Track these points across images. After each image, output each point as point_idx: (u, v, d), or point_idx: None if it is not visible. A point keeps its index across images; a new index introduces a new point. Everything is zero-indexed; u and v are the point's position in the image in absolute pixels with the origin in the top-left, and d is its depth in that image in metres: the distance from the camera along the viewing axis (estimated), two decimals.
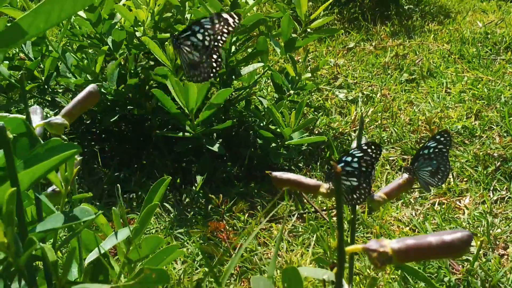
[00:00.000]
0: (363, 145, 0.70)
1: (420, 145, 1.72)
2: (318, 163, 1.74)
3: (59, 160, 0.64)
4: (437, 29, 3.07)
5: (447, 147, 0.81)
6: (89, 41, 1.79)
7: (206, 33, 0.72)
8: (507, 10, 3.45)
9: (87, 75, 1.69)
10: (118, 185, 1.29)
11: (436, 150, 0.80)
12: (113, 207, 0.87)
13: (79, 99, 0.79)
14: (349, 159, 0.72)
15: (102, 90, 1.68)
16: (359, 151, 0.71)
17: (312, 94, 2.26)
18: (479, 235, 1.34)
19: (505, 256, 1.28)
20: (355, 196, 0.75)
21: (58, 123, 0.76)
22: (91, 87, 0.78)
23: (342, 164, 0.73)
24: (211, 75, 0.76)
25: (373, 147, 0.70)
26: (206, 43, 0.71)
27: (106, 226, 0.89)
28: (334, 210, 1.51)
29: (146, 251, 0.86)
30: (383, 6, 3.45)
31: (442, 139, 0.79)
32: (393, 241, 0.50)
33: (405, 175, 0.81)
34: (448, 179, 1.59)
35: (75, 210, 0.73)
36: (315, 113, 2.10)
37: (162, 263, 0.92)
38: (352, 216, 0.77)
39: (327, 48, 2.80)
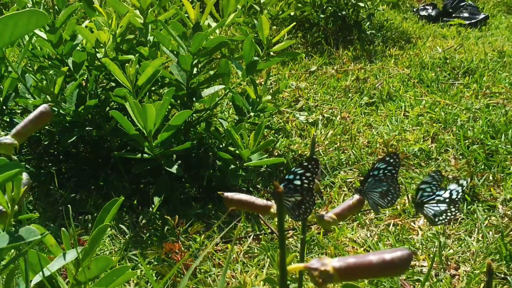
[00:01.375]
0: (303, 161, 0.72)
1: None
2: None
3: (2, 179, 0.64)
4: (398, 54, 3.13)
5: (396, 169, 0.82)
6: (49, 62, 1.78)
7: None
8: (466, 36, 3.53)
9: (47, 96, 1.68)
10: (69, 205, 1.28)
11: (386, 171, 0.82)
12: (63, 228, 0.87)
13: (31, 118, 0.78)
14: (291, 177, 0.74)
15: (61, 111, 1.68)
16: (299, 168, 0.73)
17: (273, 116, 2.27)
18: (431, 255, 1.36)
19: (456, 277, 1.30)
20: (300, 211, 0.76)
21: (7, 143, 0.75)
22: (42, 107, 0.78)
23: (285, 182, 0.75)
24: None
25: (312, 162, 0.72)
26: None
27: (56, 247, 0.89)
28: (290, 231, 1.52)
29: (96, 272, 0.86)
30: (346, 31, 3.51)
31: (391, 160, 0.80)
32: (334, 260, 0.51)
33: (356, 196, 0.82)
34: (403, 200, 1.62)
35: (20, 231, 0.73)
36: (276, 135, 2.12)
37: (112, 284, 0.92)
38: (302, 236, 0.77)
39: (289, 71, 2.83)
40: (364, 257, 0.50)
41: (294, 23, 2.15)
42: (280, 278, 0.52)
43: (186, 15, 1.74)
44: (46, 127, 1.91)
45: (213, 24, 1.79)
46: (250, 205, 0.77)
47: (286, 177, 0.74)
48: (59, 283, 0.86)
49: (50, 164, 1.87)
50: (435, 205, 0.81)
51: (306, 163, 0.72)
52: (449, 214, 0.81)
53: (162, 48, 1.74)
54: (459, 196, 0.81)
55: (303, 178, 0.74)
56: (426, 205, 0.81)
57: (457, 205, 0.81)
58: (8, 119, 1.90)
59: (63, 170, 1.85)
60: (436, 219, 0.82)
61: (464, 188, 0.81)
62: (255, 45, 1.79)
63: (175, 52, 1.72)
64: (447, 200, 0.81)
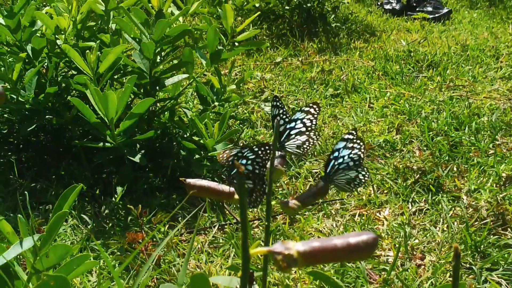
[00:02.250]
0: (254, 146, 0.71)
1: None
2: None
3: None
4: (362, 47, 3.13)
5: (357, 142, 0.80)
6: (8, 49, 1.73)
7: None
8: (430, 29, 3.56)
9: (5, 83, 1.63)
10: (26, 192, 1.24)
11: (353, 155, 0.80)
12: (19, 215, 0.84)
13: None
14: (243, 162, 0.72)
15: (20, 98, 1.63)
16: (251, 153, 0.71)
17: (238, 107, 2.25)
18: (397, 245, 1.36)
19: (422, 266, 1.30)
20: (252, 199, 0.74)
21: None
22: None
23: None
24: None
25: (262, 148, 0.70)
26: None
27: (12, 235, 0.86)
28: (255, 221, 1.51)
29: (54, 260, 0.83)
30: (311, 23, 3.50)
31: (351, 137, 0.79)
32: (298, 244, 0.49)
33: (321, 183, 0.80)
34: (368, 191, 1.62)
35: None
36: (241, 125, 2.10)
37: (72, 273, 0.89)
38: (266, 223, 0.75)
39: (255, 62, 2.81)
40: (329, 241, 0.49)
41: (259, 12, 2.14)
42: (242, 262, 0.50)
43: (150, 5, 1.71)
44: (5, 115, 1.86)
45: (177, 12, 1.75)
46: (213, 191, 0.75)
47: (240, 161, 0.73)
48: (16, 271, 0.83)
49: (9, 153, 1.81)
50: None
51: (256, 148, 0.71)
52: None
53: (124, 36, 1.71)
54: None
55: (254, 163, 0.72)
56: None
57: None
58: None
59: (23, 159, 1.80)
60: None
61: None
62: (219, 34, 1.77)
63: (137, 40, 1.68)
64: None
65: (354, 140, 0.79)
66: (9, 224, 0.83)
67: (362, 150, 0.79)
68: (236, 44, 1.89)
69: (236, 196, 0.76)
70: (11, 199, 1.60)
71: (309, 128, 0.82)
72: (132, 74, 1.72)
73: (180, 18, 1.87)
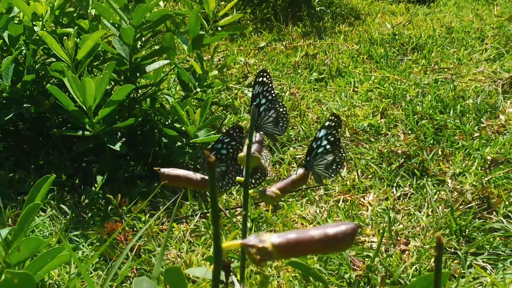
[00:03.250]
0: (229, 129, 0.69)
1: None
2: None
3: None
4: (347, 30, 3.10)
5: (338, 129, 0.79)
6: None
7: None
8: (415, 12, 3.54)
9: None
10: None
11: (330, 136, 0.78)
12: None
13: None
14: (219, 145, 0.71)
15: None
16: (226, 136, 0.70)
17: (222, 92, 2.22)
18: (381, 231, 1.34)
19: (406, 252, 1.28)
20: (224, 182, 0.73)
21: None
22: None
23: (214, 152, 0.71)
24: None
25: (236, 129, 0.69)
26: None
27: None
28: (238, 208, 1.49)
29: (26, 253, 0.80)
30: (296, 7, 3.47)
31: (332, 124, 0.77)
32: (273, 236, 0.47)
33: (300, 170, 0.78)
34: (352, 176, 1.60)
35: None
36: (224, 111, 2.07)
37: (46, 266, 0.86)
38: (244, 212, 0.73)
39: (238, 48, 2.78)
40: (306, 232, 0.46)
41: None
42: (214, 256, 0.48)
43: None
44: None
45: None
46: (188, 181, 0.73)
47: (215, 146, 0.71)
48: None
49: None
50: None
51: (231, 131, 0.69)
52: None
53: (103, 22, 1.67)
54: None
55: (229, 147, 0.71)
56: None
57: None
58: None
59: (0, 149, 1.76)
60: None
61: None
62: (201, 19, 1.74)
63: (116, 26, 1.65)
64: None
65: (334, 125, 0.78)
66: None
67: (338, 130, 0.78)
68: (219, 29, 1.86)
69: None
70: None
71: (273, 101, 0.80)
72: (112, 61, 1.69)
73: (161, 3, 1.84)
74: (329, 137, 0.78)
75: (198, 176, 0.73)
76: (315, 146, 0.78)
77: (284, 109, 0.82)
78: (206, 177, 0.73)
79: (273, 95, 0.82)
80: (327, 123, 0.77)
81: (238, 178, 0.73)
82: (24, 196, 1.54)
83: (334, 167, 0.79)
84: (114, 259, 1.24)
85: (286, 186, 0.76)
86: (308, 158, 0.78)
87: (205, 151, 0.43)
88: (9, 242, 0.81)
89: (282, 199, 1.51)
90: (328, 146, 0.78)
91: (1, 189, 1.58)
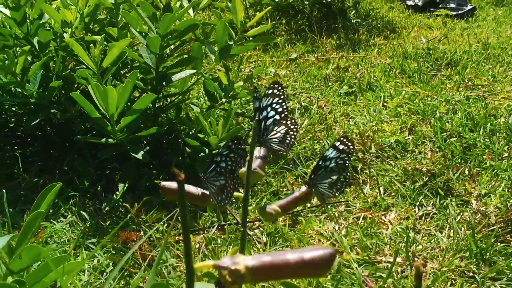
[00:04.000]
0: (228, 141, 0.68)
1: (352, 158, 1.70)
2: None
3: None
4: (381, 44, 3.07)
5: (350, 156, 0.77)
6: (16, 41, 1.71)
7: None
8: (452, 27, 3.49)
9: (10, 75, 1.62)
10: (4, 191, 1.22)
11: (339, 160, 0.76)
12: None
13: None
14: (218, 159, 0.70)
15: (25, 92, 1.62)
16: (225, 149, 0.69)
17: (250, 103, 2.22)
18: (399, 251, 1.32)
19: (423, 274, 1.25)
20: (223, 196, 0.71)
21: None
22: None
23: (214, 165, 0.70)
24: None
25: (235, 142, 0.68)
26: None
27: None
28: (256, 221, 1.48)
29: (27, 261, 0.81)
30: (331, 19, 3.45)
31: (343, 146, 0.75)
32: (248, 258, 0.46)
33: (303, 188, 0.77)
34: (375, 193, 1.57)
35: None
36: (251, 123, 2.06)
37: (52, 274, 0.87)
38: (242, 229, 0.72)
39: (270, 58, 2.78)
40: (281, 256, 0.45)
41: (269, 7, 2.10)
42: (186, 278, 0.47)
43: None
44: (13, 108, 1.85)
45: (190, 8, 1.72)
46: (189, 195, 0.72)
47: (214, 159, 0.70)
48: None
49: (16, 147, 1.80)
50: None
51: (230, 143, 0.68)
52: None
53: (131, 30, 1.68)
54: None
55: (227, 159, 0.70)
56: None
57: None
58: None
59: (27, 153, 1.79)
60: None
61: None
62: (228, 29, 1.73)
63: (144, 34, 1.66)
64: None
65: (348, 151, 0.76)
66: None
67: (350, 156, 0.76)
68: (251, 38, 1.85)
69: (211, 200, 0.73)
70: (13, 193, 1.59)
71: (283, 115, 0.77)
72: (140, 69, 1.70)
73: (191, 12, 1.84)
74: (339, 161, 0.76)
75: (199, 190, 0.73)
76: (322, 165, 0.77)
77: (295, 126, 0.80)
78: (207, 192, 0.72)
79: (284, 108, 0.79)
80: (341, 147, 0.75)
81: (236, 194, 0.72)
82: None
83: (338, 186, 0.77)
84: (127, 268, 1.24)
85: (287, 204, 0.74)
86: (312, 176, 0.76)
87: (174, 169, 0.42)
88: (13, 249, 0.81)
89: (302, 213, 1.50)
90: (335, 168, 0.76)
91: (25, 193, 1.60)
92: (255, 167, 0.73)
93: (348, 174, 0.77)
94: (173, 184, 0.73)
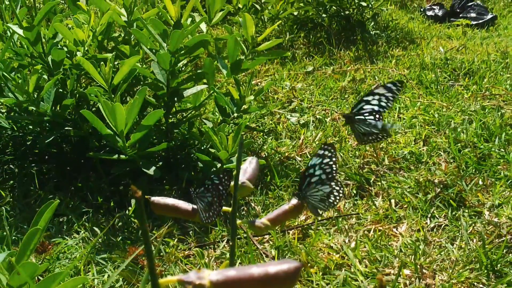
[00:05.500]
0: (221, 173, 0.71)
1: (364, 170, 1.70)
2: (258, 188, 1.70)
3: None
4: (400, 55, 3.06)
5: (334, 159, 0.77)
6: (32, 61, 1.75)
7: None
8: (472, 36, 3.46)
9: (24, 94, 1.65)
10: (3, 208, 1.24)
11: (323, 165, 0.76)
12: None
13: None
14: (209, 182, 0.71)
15: (39, 110, 1.65)
16: (216, 178, 0.71)
17: (264, 117, 2.23)
18: (407, 263, 1.31)
19: (432, 286, 1.24)
20: (210, 213, 0.73)
21: None
22: None
23: (205, 186, 0.72)
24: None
25: (220, 176, 0.71)
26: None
27: None
28: (266, 235, 1.48)
29: (25, 278, 0.82)
30: (349, 31, 3.45)
31: (326, 152, 0.75)
32: (213, 273, 0.47)
33: (294, 200, 0.77)
34: (386, 205, 1.56)
35: None
36: (265, 136, 2.07)
37: None
38: (231, 243, 0.72)
39: (288, 71, 2.78)
40: (246, 270, 0.46)
41: (280, 21, 2.11)
42: None
43: (169, 15, 1.70)
44: (30, 126, 1.88)
45: (200, 24, 1.74)
46: (176, 210, 0.73)
47: (206, 181, 0.71)
48: None
49: (32, 164, 1.83)
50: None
51: (222, 175, 0.70)
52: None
53: (142, 47, 1.70)
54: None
55: (219, 187, 0.72)
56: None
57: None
58: None
59: (44, 170, 1.81)
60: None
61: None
62: (240, 43, 1.75)
63: (154, 51, 1.68)
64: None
65: (330, 155, 0.76)
66: None
67: (334, 160, 0.76)
68: (264, 52, 1.86)
69: (197, 216, 0.74)
70: (28, 210, 1.62)
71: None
72: (151, 86, 1.72)
73: (204, 27, 1.86)
74: (325, 167, 0.76)
75: (185, 206, 0.73)
76: (307, 174, 0.77)
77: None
78: (195, 207, 0.73)
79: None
80: (320, 152, 0.75)
81: (225, 208, 0.73)
82: (60, 217, 1.58)
83: (331, 200, 0.77)
84: (134, 282, 1.25)
85: (277, 217, 0.74)
86: (301, 188, 0.76)
87: (132, 186, 0.43)
88: (13, 265, 0.82)
89: (312, 227, 1.49)
90: (323, 177, 0.76)
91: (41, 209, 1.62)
92: (244, 180, 0.73)
93: (341, 188, 0.77)
94: (161, 199, 0.74)
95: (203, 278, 0.46)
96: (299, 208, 0.77)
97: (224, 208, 0.73)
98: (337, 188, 0.77)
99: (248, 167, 0.77)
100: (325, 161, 0.76)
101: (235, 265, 0.72)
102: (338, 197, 0.78)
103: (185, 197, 0.74)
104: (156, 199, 0.73)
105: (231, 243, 0.72)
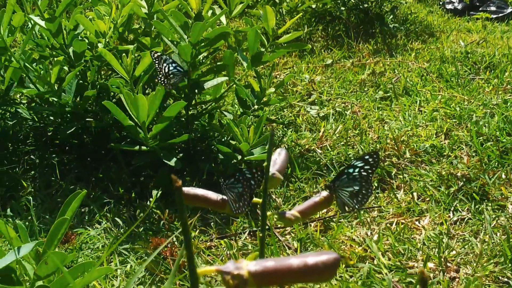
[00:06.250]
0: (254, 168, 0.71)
1: (385, 163, 1.69)
2: None
3: None
4: (419, 48, 3.04)
5: (373, 169, 0.77)
6: (53, 52, 1.75)
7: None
8: (492, 30, 3.43)
9: (45, 85, 1.66)
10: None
11: (362, 170, 0.76)
12: (18, 221, 0.84)
13: None
14: (240, 175, 0.72)
15: (60, 101, 1.65)
16: (248, 172, 0.71)
17: (284, 110, 2.22)
18: (431, 256, 1.30)
19: (456, 279, 1.23)
20: (240, 203, 0.73)
21: None
22: None
23: (235, 177, 0.72)
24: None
25: (254, 171, 0.70)
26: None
27: (16, 240, 0.85)
28: (288, 228, 1.47)
29: (53, 267, 0.82)
30: (368, 24, 3.43)
31: (370, 160, 0.75)
32: (251, 263, 0.46)
33: (324, 193, 0.76)
34: (408, 198, 1.56)
35: None
36: (285, 129, 2.06)
37: (80, 280, 0.88)
38: (261, 234, 0.72)
39: (307, 64, 2.77)
40: (284, 261, 0.45)
41: (300, 14, 2.11)
42: (190, 283, 0.47)
43: (190, 7, 1.70)
44: (51, 117, 1.89)
45: (221, 16, 1.73)
46: (206, 201, 0.73)
47: (235, 175, 0.72)
48: (18, 277, 0.83)
49: (53, 155, 1.84)
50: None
51: (254, 170, 0.71)
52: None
53: (163, 38, 1.70)
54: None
55: (250, 181, 0.72)
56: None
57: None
58: (13, 110, 1.89)
59: (65, 161, 1.82)
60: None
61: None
62: (260, 36, 1.74)
63: (175, 43, 1.68)
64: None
65: (372, 163, 0.76)
66: (12, 230, 0.83)
67: (374, 169, 0.76)
68: (284, 44, 1.85)
69: (228, 207, 0.74)
70: (50, 201, 1.62)
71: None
72: None
73: (224, 20, 1.85)
74: (364, 172, 0.76)
75: (218, 196, 0.73)
76: (346, 172, 0.76)
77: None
78: (225, 198, 0.73)
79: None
80: (366, 157, 0.75)
81: (255, 199, 0.72)
82: (81, 208, 1.59)
83: (359, 198, 0.77)
84: (157, 273, 1.25)
85: (307, 209, 0.74)
86: (334, 181, 0.76)
87: (172, 176, 0.43)
88: (40, 255, 0.83)
89: (333, 219, 1.49)
90: (358, 177, 0.76)
91: (62, 200, 1.63)
92: (273, 172, 0.73)
93: (371, 188, 0.76)
94: (191, 190, 0.74)
95: (241, 268, 0.45)
96: (329, 200, 0.76)
97: (254, 199, 0.73)
98: (367, 187, 0.77)
99: (278, 158, 0.76)
100: (366, 167, 0.76)
101: (264, 256, 0.71)
102: (366, 196, 0.77)
103: (207, 189, 0.73)
104: (186, 189, 0.73)
105: (261, 234, 0.71)
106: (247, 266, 0.45)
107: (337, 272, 1.25)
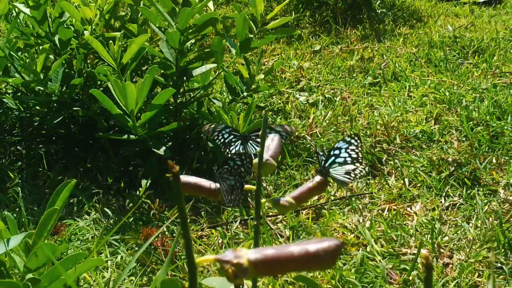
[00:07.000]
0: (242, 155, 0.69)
1: (376, 150, 1.68)
2: None
3: None
4: (407, 33, 3.02)
5: (359, 148, 0.75)
6: (38, 40, 1.72)
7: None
8: (479, 14, 3.42)
9: (31, 74, 1.63)
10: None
11: (349, 151, 0.75)
12: (7, 212, 0.82)
13: None
14: (231, 163, 0.70)
15: (46, 90, 1.62)
16: (238, 159, 0.69)
17: (273, 96, 2.20)
18: (424, 243, 1.29)
19: (450, 265, 1.23)
20: (232, 197, 0.71)
21: None
22: None
23: (226, 166, 0.70)
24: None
25: (242, 157, 0.69)
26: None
27: (4, 232, 0.83)
28: (279, 215, 1.46)
29: (43, 259, 0.80)
30: (355, 10, 3.41)
31: (352, 140, 0.74)
32: (251, 251, 0.45)
33: (317, 178, 0.75)
34: (400, 184, 1.55)
35: None
36: (274, 116, 2.05)
37: (71, 271, 0.86)
38: (256, 222, 0.71)
39: (294, 51, 2.75)
40: (285, 249, 0.44)
41: (287, 0, 2.08)
42: (188, 272, 0.46)
43: None
44: (37, 107, 1.86)
45: (208, 2, 1.71)
46: (199, 189, 0.71)
47: (227, 162, 0.70)
48: (7, 269, 0.81)
49: (40, 145, 1.81)
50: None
51: (243, 156, 0.68)
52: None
53: (151, 25, 1.68)
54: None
55: (241, 169, 0.70)
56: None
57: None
58: None
59: (52, 151, 1.79)
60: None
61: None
62: (249, 22, 1.72)
63: (163, 29, 1.65)
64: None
65: (356, 144, 0.75)
66: (1, 221, 0.81)
67: (359, 149, 0.75)
68: (272, 31, 1.83)
69: (220, 195, 0.72)
70: (37, 192, 1.60)
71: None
72: (160, 65, 1.69)
73: (211, 5, 1.83)
74: (351, 152, 0.74)
75: (211, 184, 0.72)
76: (332, 153, 0.75)
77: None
78: (218, 186, 0.71)
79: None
80: (347, 139, 0.74)
81: (247, 186, 0.71)
82: (70, 198, 1.57)
83: (356, 172, 0.75)
84: (149, 264, 1.24)
85: (302, 195, 0.73)
86: (323, 165, 0.75)
87: (169, 161, 0.41)
88: (30, 247, 0.81)
89: (325, 206, 1.48)
90: (348, 160, 0.75)
91: (50, 191, 1.61)
92: (267, 158, 0.71)
93: (364, 166, 0.75)
94: (184, 178, 0.72)
95: (241, 257, 0.44)
96: (323, 185, 0.75)
97: (248, 186, 0.71)
98: (361, 167, 0.76)
99: (271, 144, 0.75)
100: (351, 147, 0.75)
101: (258, 245, 0.70)
102: (362, 172, 0.76)
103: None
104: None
105: (255, 223, 0.70)
106: (247, 254, 0.44)
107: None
